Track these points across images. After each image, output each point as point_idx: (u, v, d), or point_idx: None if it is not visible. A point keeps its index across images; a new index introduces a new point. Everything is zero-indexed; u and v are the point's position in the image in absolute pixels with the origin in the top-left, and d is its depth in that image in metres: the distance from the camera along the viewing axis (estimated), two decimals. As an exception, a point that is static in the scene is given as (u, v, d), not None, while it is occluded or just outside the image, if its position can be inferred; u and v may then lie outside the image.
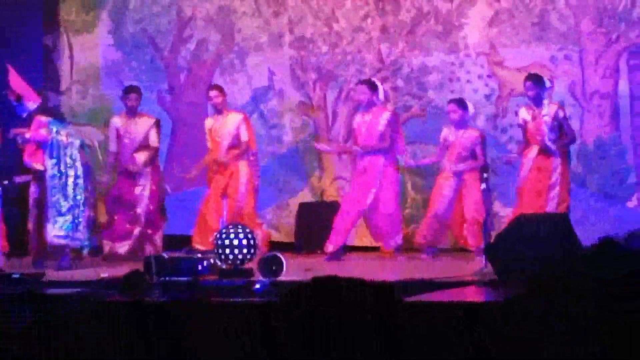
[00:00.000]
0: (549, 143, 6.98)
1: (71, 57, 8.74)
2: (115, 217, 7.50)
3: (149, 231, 7.50)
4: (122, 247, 7.44)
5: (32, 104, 6.90)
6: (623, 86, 7.87)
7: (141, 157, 7.49)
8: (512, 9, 7.96)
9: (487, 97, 7.99)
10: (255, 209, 7.55)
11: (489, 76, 8.02)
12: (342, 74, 8.20)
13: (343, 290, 1.74)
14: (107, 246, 7.44)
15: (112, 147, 7.56)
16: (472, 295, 5.80)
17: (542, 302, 1.73)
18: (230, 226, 6.46)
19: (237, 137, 7.44)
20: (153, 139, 7.54)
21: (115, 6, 8.65)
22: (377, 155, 7.26)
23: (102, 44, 8.70)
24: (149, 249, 7.33)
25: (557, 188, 7.03)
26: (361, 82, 7.48)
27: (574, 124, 7.54)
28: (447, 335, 3.81)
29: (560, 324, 1.70)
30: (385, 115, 7.32)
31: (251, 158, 7.57)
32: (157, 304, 4.90)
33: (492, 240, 6.10)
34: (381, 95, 7.39)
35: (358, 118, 7.41)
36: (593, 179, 7.88)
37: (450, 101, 7.38)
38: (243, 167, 7.46)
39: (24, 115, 6.88)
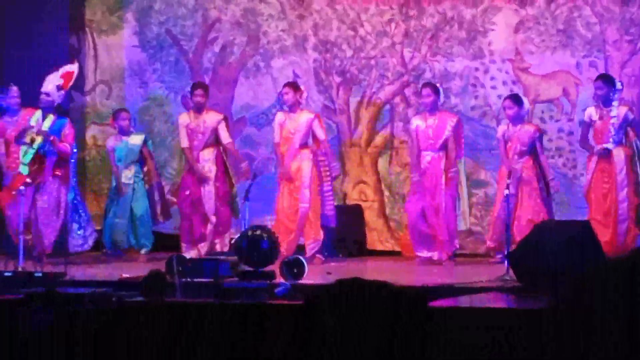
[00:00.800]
0: (611, 145, 6.92)
1: (95, 57, 8.89)
2: (193, 220, 7.50)
3: (220, 228, 7.48)
4: (203, 249, 7.42)
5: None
6: (647, 93, 7.94)
7: (209, 154, 7.54)
8: (537, 16, 8.01)
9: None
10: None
11: (514, 82, 8.05)
12: (365, 78, 8.26)
13: (366, 292, 1.72)
14: (190, 251, 7.35)
15: (184, 143, 7.54)
16: (496, 301, 5.88)
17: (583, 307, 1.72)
18: (254, 228, 6.52)
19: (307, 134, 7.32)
20: (224, 135, 7.51)
21: (140, 8, 8.81)
22: (439, 159, 7.21)
23: (126, 45, 8.87)
24: (219, 249, 7.35)
25: (626, 189, 6.95)
26: (425, 84, 7.41)
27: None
28: (472, 341, 3.78)
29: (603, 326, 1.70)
30: (453, 120, 7.28)
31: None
32: (177, 304, 4.97)
33: (515, 247, 6.12)
34: (442, 99, 7.35)
35: (419, 121, 7.29)
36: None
37: (506, 98, 7.26)
38: (306, 166, 7.29)
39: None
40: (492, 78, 8.07)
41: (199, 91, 7.49)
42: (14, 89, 7.61)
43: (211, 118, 7.49)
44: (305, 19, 8.39)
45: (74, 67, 7.57)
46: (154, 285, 5.98)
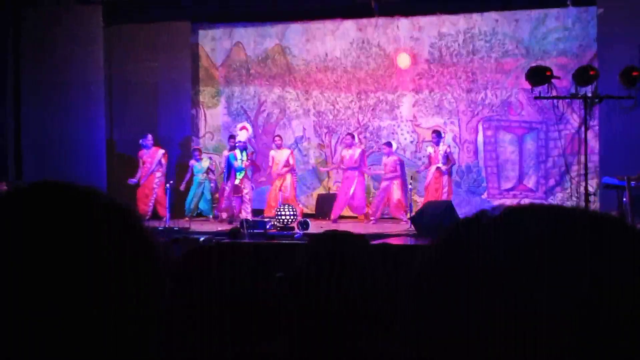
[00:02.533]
0: (441, 165, 14.45)
1: (205, 119, 16.72)
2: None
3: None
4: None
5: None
6: (480, 137, 15.33)
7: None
8: (425, 98, 15.51)
9: (412, 142, 15.52)
10: (296, 196, 15.23)
11: (413, 132, 15.61)
12: (339, 130, 15.91)
13: (339, 237, 2.40)
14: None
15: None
16: (407, 241, 10.86)
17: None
18: (284, 205, 13.21)
19: (287, 162, 15.17)
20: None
21: (227, 95, 16.54)
22: (354, 170, 14.90)
23: (221, 113, 16.63)
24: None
25: (447, 187, 14.43)
26: (348, 134, 15.15)
27: (454, 157, 15.07)
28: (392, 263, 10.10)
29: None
30: (359, 151, 14.98)
31: (293, 172, 15.30)
32: (247, 244, 9.37)
33: (413, 214, 13.12)
34: (356, 140, 15.07)
35: (344, 152, 15.04)
36: (464, 184, 15.33)
37: (384, 143, 14.92)
38: (289, 176, 15.19)
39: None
40: (402, 130, 15.59)
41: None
42: (150, 136, 14.83)
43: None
44: (309, 100, 16.11)
45: (247, 125, 14.60)
46: (236, 233, 13.15)
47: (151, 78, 15.27)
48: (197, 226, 12.74)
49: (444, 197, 13.30)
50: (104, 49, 13.91)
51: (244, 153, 13.69)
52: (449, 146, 14.14)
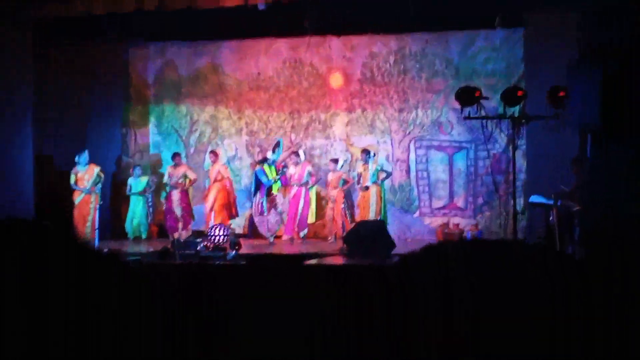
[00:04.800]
0: (370, 183, 14.50)
1: (135, 138, 16.50)
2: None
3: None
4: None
5: None
6: (412, 156, 15.45)
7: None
8: (358, 118, 15.56)
9: (345, 161, 15.55)
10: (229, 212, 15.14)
11: (346, 150, 15.64)
12: (270, 149, 15.88)
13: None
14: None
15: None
16: (340, 260, 11.27)
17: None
18: (215, 225, 13.21)
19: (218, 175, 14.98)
20: (191, 174, 14.59)
21: (158, 114, 16.36)
22: (301, 186, 14.76)
23: (151, 132, 16.44)
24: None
25: (377, 205, 14.51)
26: (293, 152, 15.04)
27: (383, 175, 15.14)
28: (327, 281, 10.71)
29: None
30: (307, 167, 14.84)
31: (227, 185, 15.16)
32: (176, 264, 11.54)
33: (346, 234, 12.76)
34: (302, 158, 14.97)
35: (292, 169, 14.79)
36: (397, 201, 15.32)
37: (331, 159, 14.84)
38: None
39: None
40: (335, 148, 15.62)
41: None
42: (86, 152, 14.33)
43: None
44: (241, 119, 15.95)
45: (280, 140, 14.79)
46: (164, 254, 13.00)
47: (81, 95, 15.01)
48: (131, 247, 13.19)
49: (374, 215, 13.48)
50: (32, 63, 13.61)
51: (273, 168, 14.03)
52: (380, 164, 14.25)
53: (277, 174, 14.17)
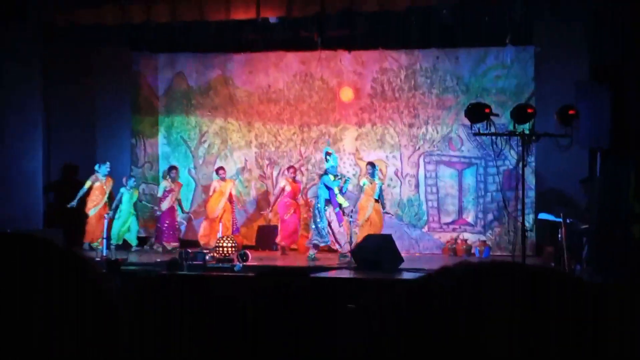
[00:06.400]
0: (376, 196, 14.40)
1: (144, 149, 16.54)
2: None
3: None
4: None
5: None
6: (421, 171, 15.42)
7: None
8: (367, 132, 15.56)
9: (354, 174, 15.54)
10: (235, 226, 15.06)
11: (355, 165, 15.63)
12: (280, 162, 15.82)
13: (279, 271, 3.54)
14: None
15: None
16: (349, 273, 10.99)
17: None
18: (223, 237, 12.80)
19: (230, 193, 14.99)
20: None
21: (167, 125, 16.32)
22: (296, 200, 14.78)
23: (160, 143, 16.40)
24: None
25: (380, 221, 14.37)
26: (291, 166, 15.09)
27: (396, 190, 15.13)
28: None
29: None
30: (300, 184, 14.91)
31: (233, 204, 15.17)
32: (183, 275, 10.54)
33: (353, 247, 12.36)
34: (298, 173, 15.00)
35: (287, 186, 14.90)
36: (406, 215, 15.22)
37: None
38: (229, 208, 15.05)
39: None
40: (344, 162, 15.53)
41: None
42: (107, 163, 14.56)
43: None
44: (250, 131, 15.95)
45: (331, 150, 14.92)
46: (173, 265, 12.94)
47: (90, 105, 15.01)
48: (133, 257, 12.98)
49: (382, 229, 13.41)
50: (42, 72, 13.66)
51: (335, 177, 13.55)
52: (382, 180, 14.25)
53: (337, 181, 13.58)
